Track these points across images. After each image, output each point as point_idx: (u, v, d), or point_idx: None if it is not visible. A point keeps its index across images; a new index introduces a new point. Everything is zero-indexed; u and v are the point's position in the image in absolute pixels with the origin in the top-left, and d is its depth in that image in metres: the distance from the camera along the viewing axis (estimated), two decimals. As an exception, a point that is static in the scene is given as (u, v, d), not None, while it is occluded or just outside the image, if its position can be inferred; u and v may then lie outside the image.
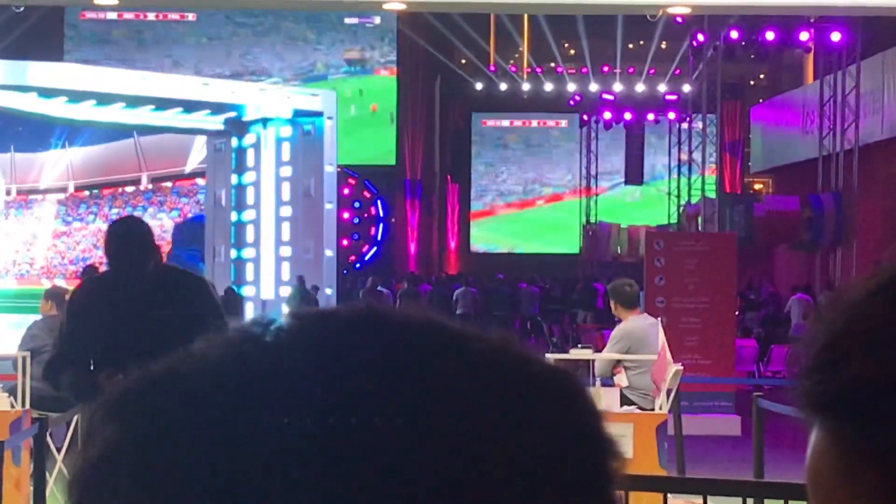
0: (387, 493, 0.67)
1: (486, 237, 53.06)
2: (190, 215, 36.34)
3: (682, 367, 10.37)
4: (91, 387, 5.81)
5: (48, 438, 7.78)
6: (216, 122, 21.55)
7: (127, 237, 6.22)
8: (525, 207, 54.68)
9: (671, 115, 43.92)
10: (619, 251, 45.27)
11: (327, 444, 0.67)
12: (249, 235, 21.54)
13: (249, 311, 20.90)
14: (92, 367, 6.00)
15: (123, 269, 6.15)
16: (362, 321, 0.73)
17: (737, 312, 19.39)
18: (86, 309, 6.14)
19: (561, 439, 0.72)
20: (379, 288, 33.50)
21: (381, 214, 45.32)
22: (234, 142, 21.70)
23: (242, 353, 0.72)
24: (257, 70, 46.20)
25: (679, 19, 30.47)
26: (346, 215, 40.66)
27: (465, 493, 0.68)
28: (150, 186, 39.58)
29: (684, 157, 40.15)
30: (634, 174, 46.46)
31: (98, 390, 5.57)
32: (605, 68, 47.99)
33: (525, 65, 50.28)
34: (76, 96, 19.72)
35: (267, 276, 21.28)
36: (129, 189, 39.79)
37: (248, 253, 21.54)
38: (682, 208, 38.49)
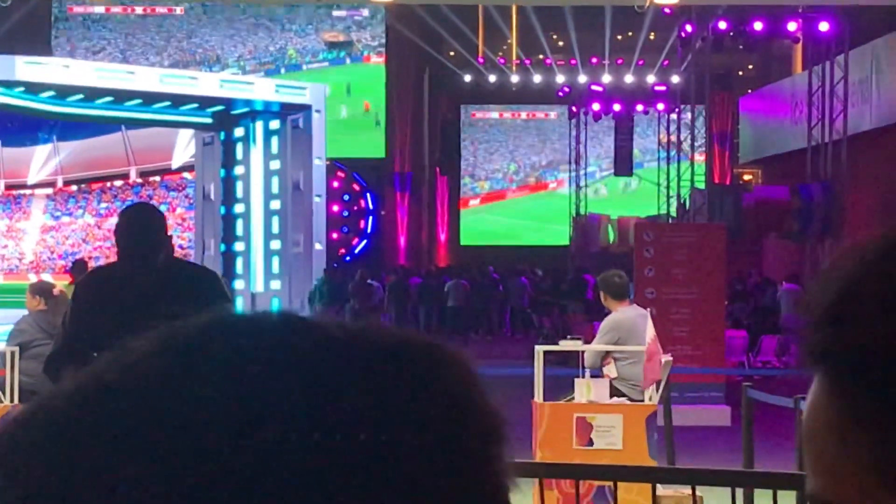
0: (273, 491, 0.67)
1: (476, 229, 53.05)
2: (178, 209, 36.27)
3: (671, 358, 10.39)
4: None
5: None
6: (204, 117, 21.53)
7: (139, 226, 5.99)
8: (514, 198, 54.66)
9: (660, 106, 43.94)
10: (609, 242, 45.29)
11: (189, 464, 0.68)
12: (239, 229, 21.53)
13: (240, 306, 20.90)
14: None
15: (133, 260, 5.91)
16: (211, 329, 0.75)
17: (726, 303, 19.41)
18: (91, 302, 5.91)
19: (432, 415, 0.72)
20: (369, 281, 33.49)
21: (371, 207, 45.28)
22: (223, 136, 21.68)
23: (88, 390, 0.74)
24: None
25: (667, 10, 30.49)
26: (335, 208, 40.63)
27: (343, 481, 0.68)
28: (138, 180, 39.50)
29: (673, 148, 40.19)
30: (624, 165, 46.48)
31: None
32: (594, 60, 47.99)
33: (514, 57, 50.26)
34: (64, 91, 19.69)
35: (257, 269, 21.26)
36: (118, 183, 39.69)
37: (237, 246, 21.53)
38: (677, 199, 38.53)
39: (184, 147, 24.90)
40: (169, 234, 6.14)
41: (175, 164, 36.49)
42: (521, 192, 54.98)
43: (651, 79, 46.28)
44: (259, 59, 42.42)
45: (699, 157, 38.97)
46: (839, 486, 0.79)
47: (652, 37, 44.98)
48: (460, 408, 0.74)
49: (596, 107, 45.67)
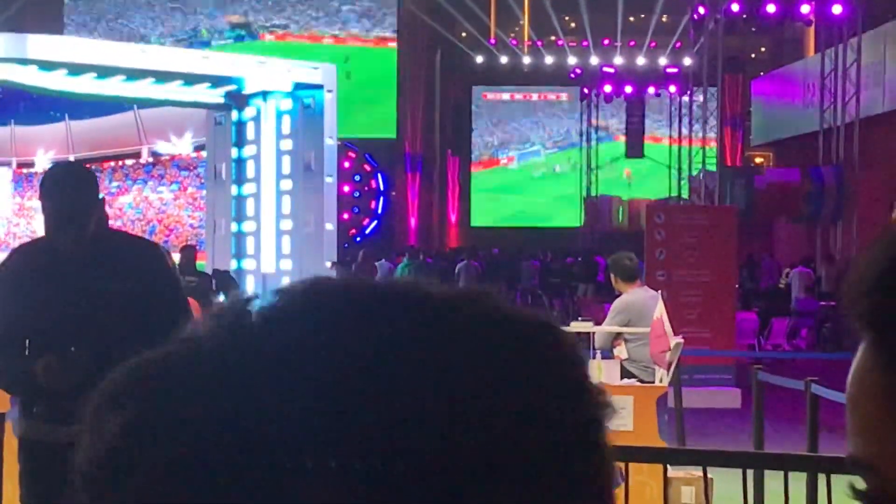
0: (400, 467, 0.68)
1: (487, 211, 53.02)
2: (190, 189, 36.33)
3: (682, 340, 10.38)
4: (23, 376, 4.85)
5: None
6: (216, 96, 21.50)
7: (62, 190, 4.99)
8: (525, 180, 54.60)
9: (672, 89, 43.88)
10: (620, 224, 45.27)
11: (331, 421, 0.68)
12: (250, 209, 21.51)
13: (250, 285, 20.90)
14: (27, 353, 4.88)
15: (59, 228, 4.95)
16: (347, 294, 0.74)
17: (737, 285, 19.40)
18: (15, 284, 4.98)
19: (550, 393, 0.73)
20: (380, 262, 33.50)
21: (382, 188, 45.28)
22: (235, 115, 21.66)
23: (234, 335, 0.73)
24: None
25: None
26: (346, 189, 40.63)
27: (463, 453, 0.69)
28: (150, 160, 39.54)
29: (685, 130, 40.13)
30: (635, 147, 46.43)
31: (32, 381, 4.79)
32: (606, 41, 47.91)
33: (526, 38, 50.18)
34: (76, 69, 19.68)
35: (268, 249, 21.26)
36: (129, 162, 39.72)
37: (248, 227, 21.52)
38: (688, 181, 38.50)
39: (197, 125, 24.86)
40: (101, 196, 5.19)
41: (185, 144, 36.55)
42: (531, 173, 54.86)
43: (663, 61, 46.19)
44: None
45: (711, 140, 38.88)
46: (884, 449, 0.79)
47: (664, 19, 44.89)
48: (581, 388, 0.75)
49: (608, 88, 45.60)
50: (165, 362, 0.73)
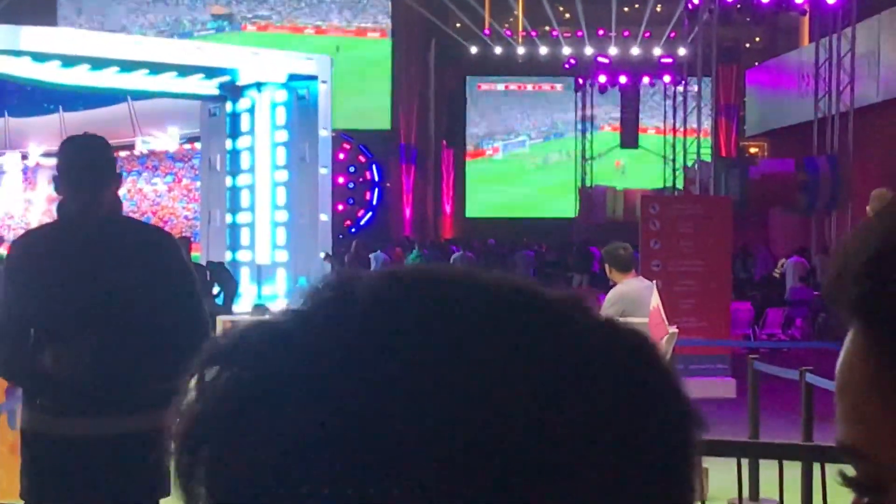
0: (496, 458, 0.69)
1: (482, 202, 53.00)
2: (185, 180, 36.26)
3: (677, 330, 10.38)
4: (29, 367, 4.68)
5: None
6: (210, 87, 21.48)
7: (78, 165, 4.81)
8: (520, 171, 54.58)
9: (666, 79, 43.86)
10: (615, 215, 45.28)
11: (432, 395, 0.70)
12: (244, 200, 21.50)
13: (245, 277, 20.91)
14: (33, 342, 4.69)
15: (71, 214, 4.77)
16: (451, 282, 0.76)
17: (731, 275, 19.41)
18: (23, 269, 4.74)
19: (645, 403, 0.75)
20: (375, 254, 33.48)
21: (377, 179, 45.26)
22: (229, 106, 21.64)
23: (340, 308, 0.75)
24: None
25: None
26: (341, 180, 40.62)
27: (550, 453, 0.70)
28: (144, 151, 39.52)
29: (679, 120, 40.13)
30: (630, 138, 46.43)
31: (38, 372, 4.63)
32: (601, 31, 47.88)
33: (520, 28, 50.15)
34: (70, 61, 19.65)
35: (262, 241, 21.25)
36: (124, 154, 39.71)
37: (243, 218, 21.51)
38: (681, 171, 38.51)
39: (190, 117, 24.84)
40: (119, 172, 5.08)
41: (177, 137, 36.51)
42: (525, 163, 54.86)
43: (657, 51, 46.18)
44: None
45: (705, 130, 38.90)
46: (874, 436, 0.80)
47: (658, 9, 44.88)
48: (680, 401, 0.77)
49: (602, 79, 45.58)
50: (277, 328, 0.75)
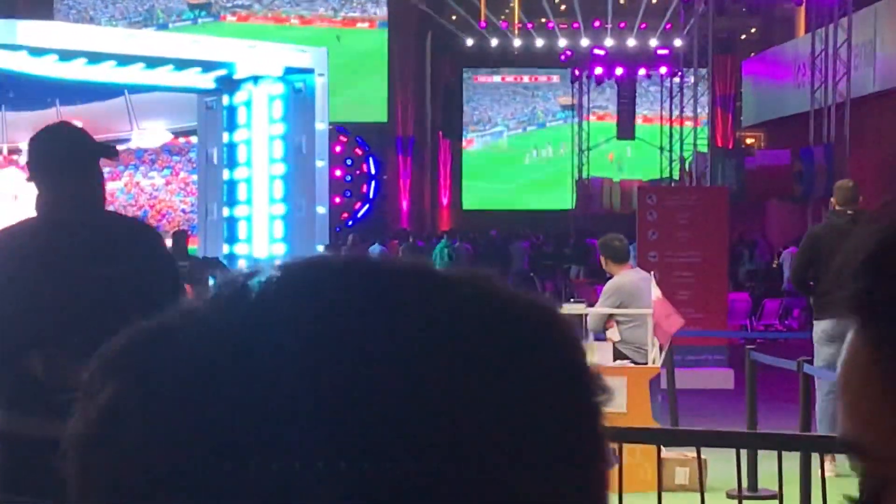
0: (388, 438, 0.68)
1: (479, 194, 52.97)
2: (182, 174, 36.25)
3: (683, 322, 10.42)
4: (10, 372, 4.39)
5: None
6: (207, 81, 21.49)
7: (57, 157, 4.45)
8: (517, 163, 54.55)
9: (662, 70, 43.84)
10: (612, 206, 45.27)
11: (323, 389, 0.69)
12: (241, 194, 21.50)
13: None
14: (17, 346, 4.39)
15: (51, 209, 4.42)
16: (349, 269, 0.74)
17: (737, 265, 19.43)
18: (2, 269, 4.41)
19: (549, 375, 0.73)
20: (372, 247, 33.48)
21: (373, 172, 45.22)
22: (226, 100, 21.64)
23: (233, 305, 0.73)
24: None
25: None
26: (337, 173, 40.58)
27: (459, 431, 0.69)
28: (141, 145, 39.49)
29: (676, 111, 40.12)
30: (626, 129, 46.42)
31: (22, 377, 4.33)
32: (597, 23, 47.83)
33: (516, 20, 50.08)
34: (67, 55, 19.65)
35: (260, 234, 21.26)
36: (121, 147, 39.70)
37: (240, 211, 21.52)
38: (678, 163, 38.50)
39: (186, 111, 24.79)
40: (100, 165, 4.61)
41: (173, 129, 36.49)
42: (522, 156, 54.80)
43: (654, 42, 46.14)
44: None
45: (702, 121, 38.88)
46: (876, 433, 0.80)
47: (654, 0, 44.83)
48: (580, 372, 0.75)
49: (598, 70, 45.56)
50: (162, 331, 0.73)
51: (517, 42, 49.97)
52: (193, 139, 24.40)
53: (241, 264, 20.54)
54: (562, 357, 0.75)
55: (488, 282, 0.76)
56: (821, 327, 10.35)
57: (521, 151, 54.86)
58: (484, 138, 54.83)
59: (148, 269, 4.43)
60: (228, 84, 21.30)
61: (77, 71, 20.35)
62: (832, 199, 11.60)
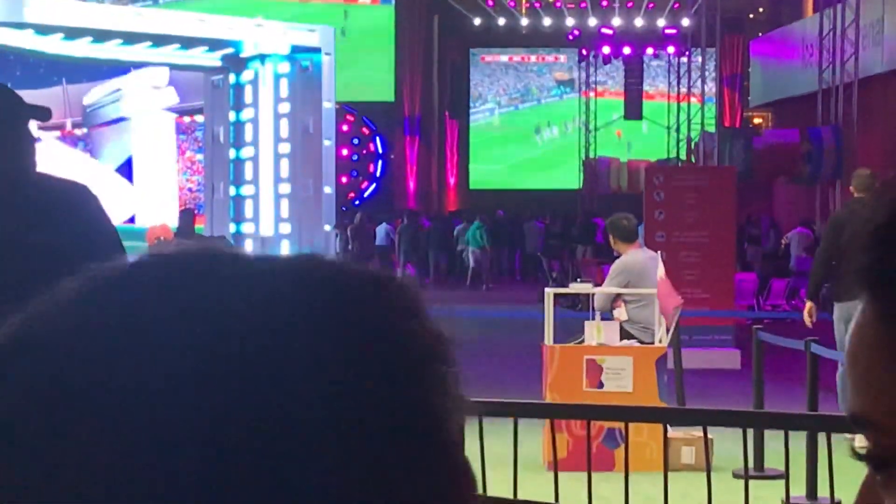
0: (180, 428, 0.66)
1: (486, 173, 52.94)
2: (188, 153, 36.27)
3: (682, 301, 10.40)
4: None
5: None
6: (214, 59, 21.47)
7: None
8: (524, 142, 54.51)
9: (670, 50, 43.76)
10: (619, 186, 45.23)
11: (122, 380, 0.67)
12: (248, 173, 21.51)
13: (249, 249, 20.91)
14: None
15: None
16: (171, 264, 0.73)
17: (744, 244, 19.42)
18: None
19: (363, 345, 0.70)
20: (379, 226, 33.52)
21: (380, 151, 45.23)
22: (232, 78, 21.63)
23: (82, 300, 0.74)
24: None
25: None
26: (344, 152, 40.62)
27: (272, 414, 0.66)
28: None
29: (684, 91, 40.06)
30: (634, 109, 46.34)
31: None
32: (604, 2, 47.73)
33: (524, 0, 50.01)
34: (73, 33, 19.64)
35: (266, 213, 21.27)
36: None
37: (246, 190, 21.52)
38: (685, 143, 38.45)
39: (192, 88, 24.82)
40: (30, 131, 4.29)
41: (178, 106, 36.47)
42: (530, 134, 54.78)
43: (661, 22, 46.05)
44: None
45: (709, 101, 38.82)
46: (883, 406, 0.79)
47: (662, -21, 44.72)
48: (403, 339, 0.71)
49: (606, 50, 45.48)
50: (18, 321, 0.73)
51: (524, 21, 49.89)
52: (199, 118, 24.42)
53: (248, 243, 20.61)
54: (381, 326, 0.71)
55: (312, 262, 0.73)
56: (841, 309, 10.57)
57: (527, 130, 54.80)
58: (486, 115, 54.72)
59: (88, 233, 4.07)
60: (235, 62, 21.29)
61: (83, 49, 20.34)
62: (851, 187, 11.68)
